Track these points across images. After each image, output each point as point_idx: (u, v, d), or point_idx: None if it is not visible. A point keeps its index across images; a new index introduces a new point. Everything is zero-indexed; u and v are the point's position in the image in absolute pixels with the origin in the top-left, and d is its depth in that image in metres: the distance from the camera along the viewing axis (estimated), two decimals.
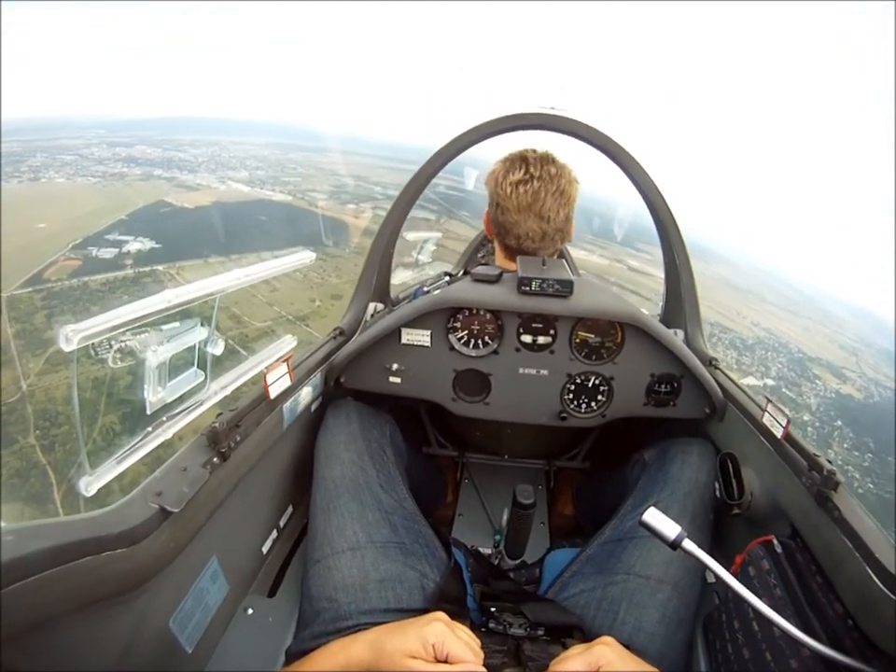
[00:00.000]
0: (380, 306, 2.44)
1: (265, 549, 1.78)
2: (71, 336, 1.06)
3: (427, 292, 2.03)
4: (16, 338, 33.21)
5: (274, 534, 1.84)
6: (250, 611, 1.61)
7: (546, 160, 1.90)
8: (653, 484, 1.66)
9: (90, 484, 1.20)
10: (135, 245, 46.23)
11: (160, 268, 43.24)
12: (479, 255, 3.53)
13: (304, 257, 1.91)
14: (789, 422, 1.50)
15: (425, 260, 3.29)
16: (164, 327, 1.36)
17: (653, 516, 1.16)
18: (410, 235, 2.97)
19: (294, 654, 1.29)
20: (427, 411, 2.61)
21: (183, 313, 1.36)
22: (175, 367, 1.40)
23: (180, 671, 1.32)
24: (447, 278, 2.17)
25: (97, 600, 1.00)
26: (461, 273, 2.20)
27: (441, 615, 1.08)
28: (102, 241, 46.90)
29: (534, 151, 1.94)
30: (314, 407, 1.92)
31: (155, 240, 46.96)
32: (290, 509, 1.95)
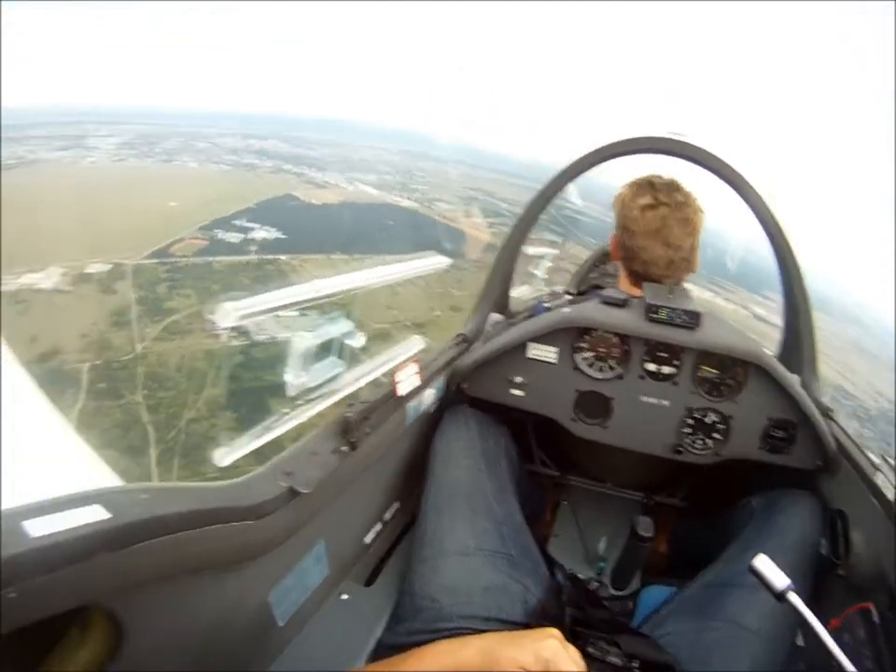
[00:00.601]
0: (499, 317, 2.49)
1: (368, 539, 1.83)
2: (231, 313, 1.19)
3: (548, 308, 2.11)
4: (137, 303, 35.96)
5: (379, 526, 1.89)
6: (345, 597, 1.66)
7: (673, 186, 1.92)
8: (759, 533, 1.65)
9: (224, 455, 1.32)
10: (261, 232, 47.15)
11: (283, 258, 44.16)
12: (591, 275, 3.31)
13: (440, 261, 2.03)
14: None
15: (541, 276, 3.33)
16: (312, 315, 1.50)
17: (763, 564, 1.14)
18: (529, 250, 2.94)
19: (386, 646, 1.40)
20: (534, 427, 2.45)
21: (329, 304, 1.48)
22: (316, 354, 1.50)
23: (269, 642, 1.40)
24: (568, 297, 2.21)
25: (212, 567, 1.07)
26: (576, 292, 2.29)
27: (556, 632, 1.09)
28: (229, 225, 48.08)
29: (659, 177, 1.96)
30: (433, 409, 1.97)
31: (281, 230, 47.85)
32: (397, 504, 2.00)
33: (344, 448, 1.40)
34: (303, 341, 1.40)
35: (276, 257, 44.00)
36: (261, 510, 1.11)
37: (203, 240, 45.69)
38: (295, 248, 44.94)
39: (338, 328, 1.53)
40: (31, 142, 66.63)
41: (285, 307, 1.31)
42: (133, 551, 0.82)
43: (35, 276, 36.09)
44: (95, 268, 38.69)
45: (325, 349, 1.53)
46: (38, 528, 0.75)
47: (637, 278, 1.94)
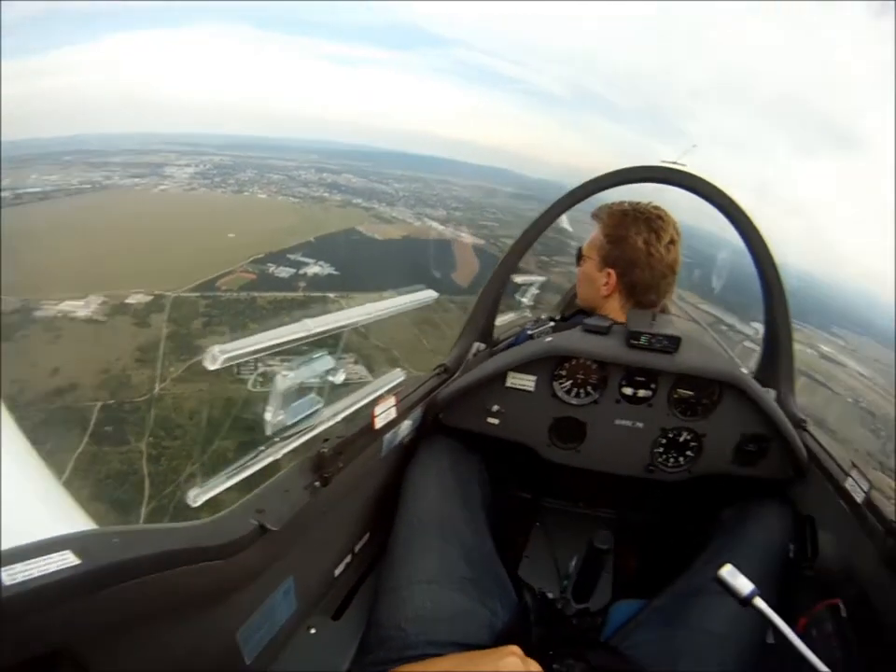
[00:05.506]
0: (481, 346, 2.51)
1: (337, 572, 1.83)
2: (218, 355, 1.15)
3: (531, 336, 2.13)
4: (167, 339, 35.14)
5: (348, 558, 1.89)
6: (313, 631, 1.65)
7: (669, 217, 2.02)
8: (728, 543, 1.70)
9: (198, 496, 1.26)
10: (314, 268, 47.02)
11: (331, 295, 43.12)
12: (577, 300, 3.17)
13: (427, 296, 1.96)
14: (871, 487, 1.56)
15: (527, 304, 3.31)
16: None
17: (730, 573, 1.20)
18: (518, 279, 3.05)
19: None
20: (509, 453, 2.35)
21: (316, 342, 1.48)
22: (296, 392, 1.48)
23: None
24: (552, 323, 2.23)
25: (182, 608, 1.08)
26: (559, 317, 2.34)
27: (516, 649, 1.10)
28: (283, 259, 47.98)
29: (657, 207, 2.04)
30: (408, 439, 2.00)
31: (335, 266, 47.25)
32: (367, 536, 2.00)
33: (317, 483, 1.42)
34: (285, 380, 1.37)
35: (324, 294, 42.84)
36: (231, 548, 1.11)
37: (251, 274, 45.47)
38: (345, 286, 43.66)
39: (321, 365, 1.49)
40: (110, 168, 69.65)
41: (275, 347, 1.30)
42: (104, 595, 0.85)
43: (74, 304, 36.36)
44: (136, 298, 38.51)
45: (306, 387, 1.49)
46: (10, 576, 0.77)
47: (639, 306, 2.00)
